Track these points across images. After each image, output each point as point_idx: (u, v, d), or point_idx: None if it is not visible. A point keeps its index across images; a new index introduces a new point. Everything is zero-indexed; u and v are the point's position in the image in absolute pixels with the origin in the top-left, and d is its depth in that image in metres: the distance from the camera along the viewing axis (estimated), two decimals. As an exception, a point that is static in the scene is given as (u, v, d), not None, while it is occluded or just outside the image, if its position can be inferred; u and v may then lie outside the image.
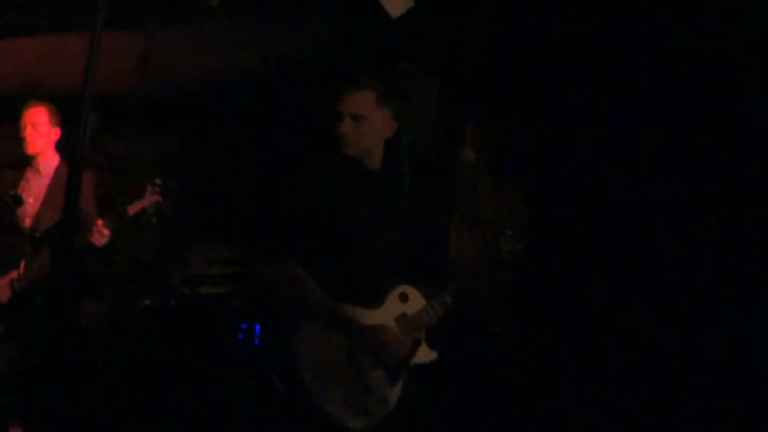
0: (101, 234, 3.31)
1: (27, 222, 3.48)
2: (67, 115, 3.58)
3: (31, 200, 3.51)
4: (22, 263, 3.36)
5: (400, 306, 2.35)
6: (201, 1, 3.56)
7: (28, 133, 3.52)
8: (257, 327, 3.95)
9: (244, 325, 3.98)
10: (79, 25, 3.78)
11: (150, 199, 3.42)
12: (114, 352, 3.83)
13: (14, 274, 3.35)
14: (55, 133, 3.59)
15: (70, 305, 3.47)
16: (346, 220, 2.34)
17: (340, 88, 2.40)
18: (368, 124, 2.35)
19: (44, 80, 4.09)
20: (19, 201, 3.46)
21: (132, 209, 3.39)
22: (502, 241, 2.50)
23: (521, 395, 3.18)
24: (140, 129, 4.46)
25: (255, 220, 3.75)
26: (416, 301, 2.38)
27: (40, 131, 3.54)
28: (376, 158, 2.44)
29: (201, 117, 4.33)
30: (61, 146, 3.63)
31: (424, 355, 2.35)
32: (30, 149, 3.54)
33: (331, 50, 4.08)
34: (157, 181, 3.43)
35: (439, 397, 2.47)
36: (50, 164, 3.60)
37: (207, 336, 3.90)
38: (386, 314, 2.32)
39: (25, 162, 3.61)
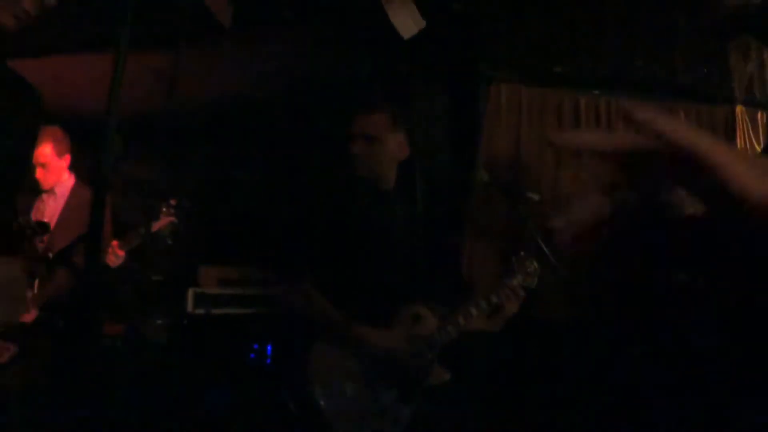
0: (116, 255, 3.33)
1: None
2: (80, 137, 3.60)
3: (45, 221, 3.53)
4: (36, 283, 3.37)
5: (413, 326, 2.33)
6: (214, 23, 3.59)
7: (40, 174, 3.53)
8: (269, 347, 3.93)
9: (255, 346, 3.97)
10: (94, 46, 3.81)
11: (165, 219, 3.44)
12: (128, 371, 3.82)
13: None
14: (65, 161, 3.61)
15: (94, 326, 3.48)
16: (360, 241, 2.33)
17: (354, 110, 2.40)
18: (381, 145, 2.37)
19: (57, 102, 4.13)
20: (45, 229, 3.40)
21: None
22: (515, 261, 2.48)
23: (535, 416, 3.13)
24: (154, 150, 4.49)
25: (268, 240, 3.75)
26: (429, 321, 2.35)
27: (50, 169, 3.55)
28: (389, 180, 2.45)
29: (215, 138, 4.35)
30: (73, 167, 3.66)
31: (438, 375, 2.32)
32: (45, 186, 3.57)
33: (344, 71, 4.11)
34: (172, 202, 3.45)
35: (451, 418, 2.44)
36: (65, 186, 3.61)
37: (219, 356, 3.88)
38: (399, 334, 2.30)
39: (38, 187, 3.61)
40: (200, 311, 3.93)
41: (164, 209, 3.46)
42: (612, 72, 3.97)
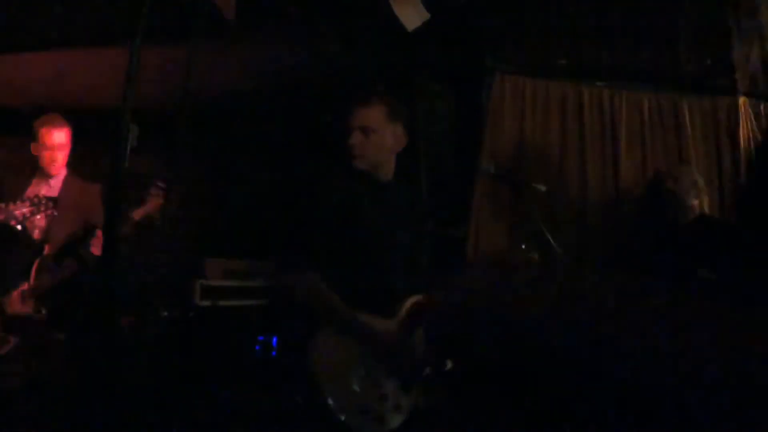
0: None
1: (36, 234, 3.44)
2: (91, 130, 3.60)
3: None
4: (33, 274, 3.34)
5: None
6: (218, 17, 3.61)
7: (56, 156, 3.51)
8: (274, 339, 3.96)
9: (261, 338, 3.99)
10: (105, 40, 3.82)
11: (153, 202, 3.43)
12: (136, 363, 3.84)
13: (25, 286, 3.33)
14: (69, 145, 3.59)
15: (112, 319, 3.49)
16: (361, 231, 2.36)
17: (352, 103, 2.43)
18: (378, 137, 2.40)
19: (65, 94, 4.15)
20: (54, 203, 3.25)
21: (137, 215, 3.40)
22: (516, 251, 2.49)
23: (535, 403, 3.15)
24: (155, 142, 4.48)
25: (272, 232, 3.78)
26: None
27: (65, 152, 3.55)
28: (387, 171, 2.48)
29: (218, 131, 4.36)
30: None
31: (439, 364, 2.34)
32: (55, 171, 3.54)
33: (347, 64, 4.12)
34: (159, 183, 3.44)
35: (452, 405, 2.46)
36: (59, 177, 3.59)
37: (224, 348, 3.91)
38: (401, 323, 2.32)
39: (33, 173, 3.57)
40: (207, 303, 3.95)
41: (152, 192, 3.45)
42: (615, 64, 3.97)
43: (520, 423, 3.23)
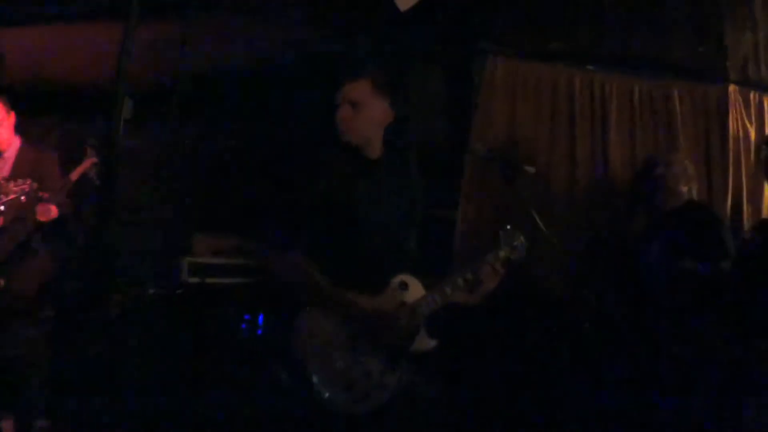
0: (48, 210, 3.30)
1: None
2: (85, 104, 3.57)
3: None
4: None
5: (400, 294, 2.35)
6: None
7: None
8: (260, 317, 3.96)
9: (247, 316, 3.99)
10: (98, 16, 3.77)
11: (88, 161, 3.46)
12: (122, 341, 3.84)
13: None
14: (11, 118, 3.55)
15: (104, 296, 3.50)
16: (348, 209, 2.35)
17: (341, 79, 2.43)
18: (365, 111, 2.39)
19: (51, 70, 4.11)
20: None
21: (74, 175, 3.42)
22: (501, 235, 2.49)
23: (519, 383, 3.18)
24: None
25: (258, 209, 3.77)
26: (416, 289, 2.38)
27: (5, 126, 3.51)
28: (375, 147, 2.47)
29: (204, 108, 4.33)
30: (18, 128, 3.61)
31: (423, 342, 2.35)
32: (4, 146, 3.52)
33: (338, 45, 4.10)
34: (92, 142, 3.48)
35: (436, 384, 2.47)
36: (13, 147, 3.56)
37: (210, 326, 3.90)
38: (386, 302, 2.32)
39: None
40: (195, 280, 3.94)
41: (87, 151, 3.49)
42: (607, 49, 3.98)
43: (507, 402, 3.26)
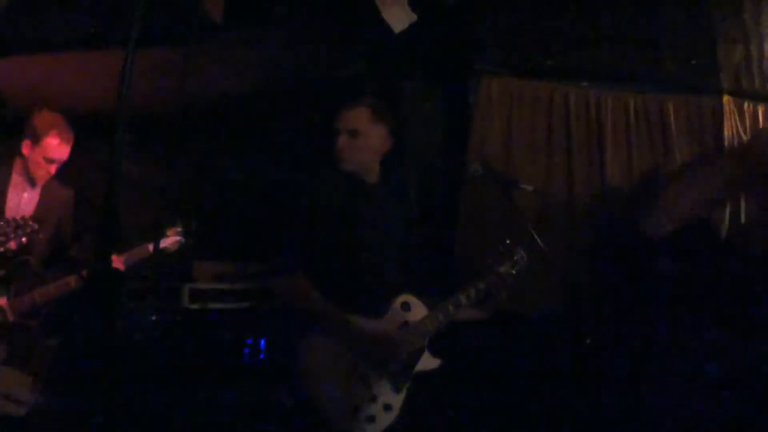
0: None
1: (13, 245, 3.12)
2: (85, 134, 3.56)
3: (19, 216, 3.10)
4: (12, 289, 3.21)
5: (403, 315, 2.36)
6: (206, 19, 3.59)
7: (53, 170, 3.30)
8: (262, 342, 3.95)
9: (249, 341, 3.98)
10: (95, 44, 3.78)
11: (172, 239, 3.46)
12: (125, 367, 3.83)
13: (3, 301, 3.19)
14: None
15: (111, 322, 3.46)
16: (348, 233, 2.37)
17: (339, 106, 2.45)
18: (363, 139, 2.43)
19: (54, 97, 4.11)
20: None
21: (153, 247, 3.39)
22: (501, 249, 2.52)
23: (524, 401, 3.17)
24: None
25: (260, 234, 3.77)
26: (418, 310, 2.39)
27: (68, 152, 3.30)
28: (373, 173, 2.51)
29: (205, 134, 4.35)
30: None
31: (427, 362, 2.36)
32: (43, 182, 3.33)
33: (335, 67, 4.13)
34: (179, 228, 3.48)
35: (442, 404, 2.47)
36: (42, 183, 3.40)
37: (213, 351, 3.89)
38: (389, 323, 2.33)
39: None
40: (195, 306, 3.94)
41: (171, 229, 3.47)
42: (601, 65, 4.00)
43: (511, 422, 3.25)
